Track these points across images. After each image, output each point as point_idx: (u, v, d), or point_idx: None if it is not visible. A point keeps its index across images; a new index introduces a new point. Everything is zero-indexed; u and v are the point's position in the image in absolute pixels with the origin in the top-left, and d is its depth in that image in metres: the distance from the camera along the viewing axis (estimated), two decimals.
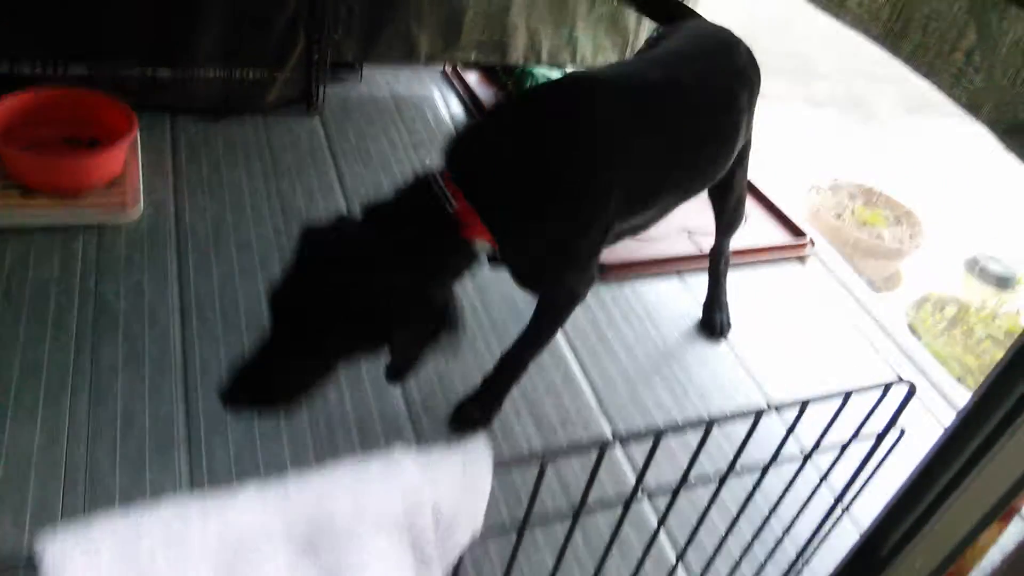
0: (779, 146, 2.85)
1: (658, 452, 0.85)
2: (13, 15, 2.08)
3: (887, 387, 0.97)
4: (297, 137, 2.39)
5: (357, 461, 0.69)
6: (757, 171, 2.58)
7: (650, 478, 0.87)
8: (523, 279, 1.60)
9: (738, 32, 1.78)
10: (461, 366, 1.82)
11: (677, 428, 0.88)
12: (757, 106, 1.77)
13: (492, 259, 1.50)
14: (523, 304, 1.96)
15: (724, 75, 1.68)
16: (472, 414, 1.72)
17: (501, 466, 0.75)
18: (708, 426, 0.87)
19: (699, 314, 2.13)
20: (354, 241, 1.36)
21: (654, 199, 1.61)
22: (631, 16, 2.82)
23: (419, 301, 1.36)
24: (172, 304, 1.78)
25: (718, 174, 1.73)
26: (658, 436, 0.84)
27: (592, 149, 1.45)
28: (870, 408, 0.99)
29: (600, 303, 2.10)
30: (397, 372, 1.46)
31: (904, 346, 2.22)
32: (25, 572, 0.59)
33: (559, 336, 1.97)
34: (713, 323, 2.09)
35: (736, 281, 2.27)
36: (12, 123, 1.98)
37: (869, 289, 2.38)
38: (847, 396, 0.97)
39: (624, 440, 0.78)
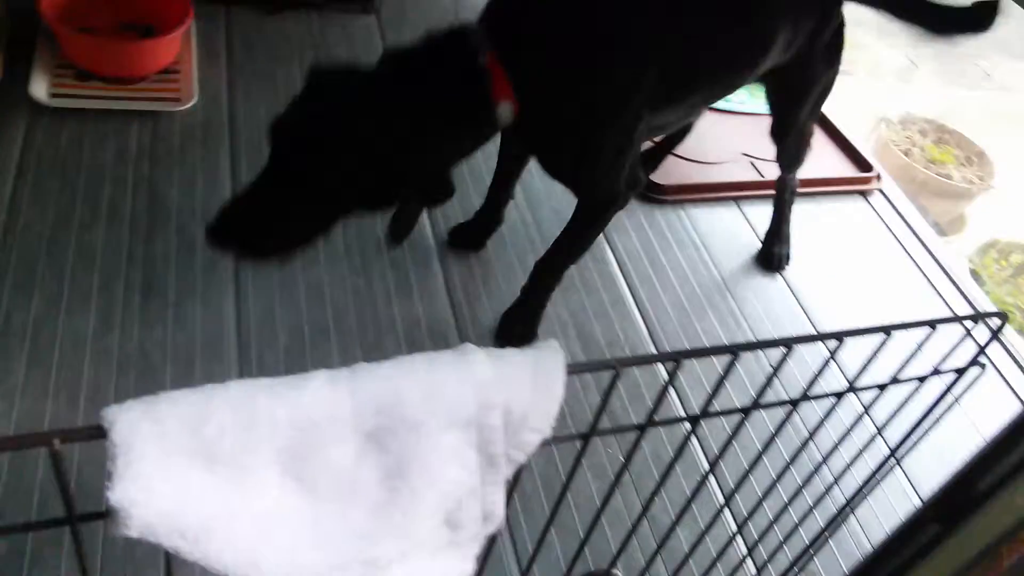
0: (850, 74, 2.73)
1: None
2: None
3: (978, 316, 0.92)
4: (351, 35, 2.32)
5: (430, 354, 0.67)
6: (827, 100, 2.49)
7: (716, 400, 0.84)
8: (548, 159, 1.51)
9: None
10: (509, 278, 1.79)
11: (752, 346, 0.84)
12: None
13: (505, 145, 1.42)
14: None
15: None
16: (515, 328, 1.70)
17: (574, 370, 0.72)
18: (788, 348, 0.83)
19: (756, 245, 2.07)
20: (371, 83, 1.28)
21: (686, 89, 1.52)
22: None
23: (435, 164, 1.31)
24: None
25: (751, 71, 1.62)
26: (735, 354, 0.80)
27: (628, 21, 1.37)
28: (956, 340, 0.94)
29: (654, 226, 2.05)
30: (398, 233, 1.40)
31: (967, 291, 2.14)
32: (90, 442, 0.57)
33: (610, 256, 1.93)
34: (772, 256, 2.03)
35: (796, 212, 2.19)
36: (67, 4, 1.93)
37: (933, 231, 2.30)
38: (933, 325, 0.91)
39: (698, 354, 0.74)
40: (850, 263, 2.13)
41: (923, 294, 2.11)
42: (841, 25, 1.71)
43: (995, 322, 0.90)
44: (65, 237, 1.59)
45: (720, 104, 2.39)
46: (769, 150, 2.07)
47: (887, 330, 0.87)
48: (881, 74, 3.39)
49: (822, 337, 0.85)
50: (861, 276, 2.10)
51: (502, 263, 1.82)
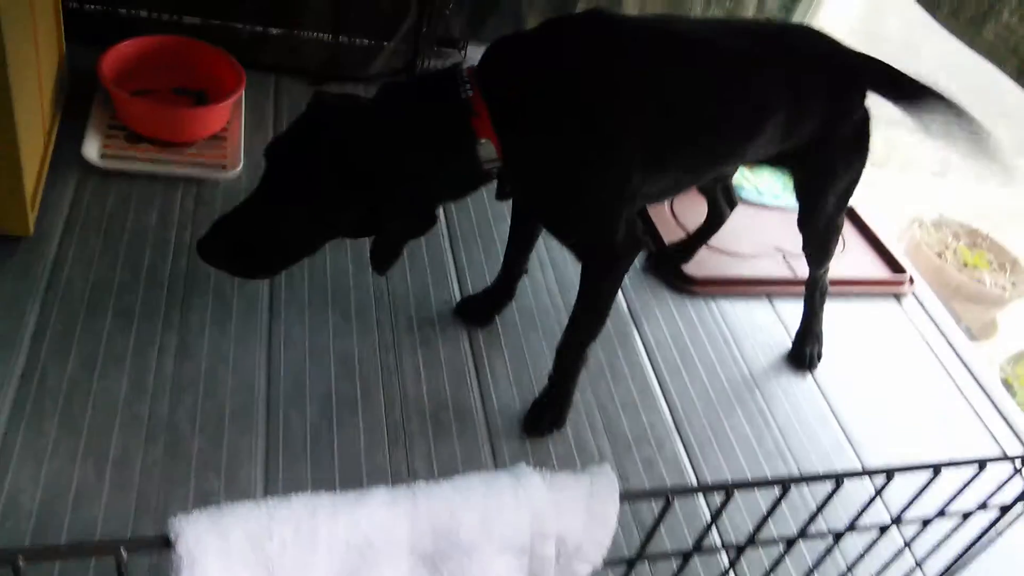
0: (885, 173, 2.75)
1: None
2: None
3: (983, 465, 0.90)
4: None
5: (487, 476, 0.66)
6: (859, 198, 2.50)
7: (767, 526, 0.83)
8: (536, 209, 1.57)
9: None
10: (538, 364, 1.79)
11: (802, 480, 0.83)
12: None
13: (501, 191, 1.48)
14: None
15: (782, 56, 1.58)
16: (544, 417, 1.68)
17: (628, 497, 0.71)
18: (837, 483, 0.82)
19: (787, 342, 2.06)
20: (361, 111, 1.35)
21: (676, 156, 1.53)
22: (749, 8, 2.72)
23: (416, 192, 1.35)
24: None
25: (745, 148, 1.63)
26: (786, 488, 0.79)
27: (618, 84, 1.41)
28: (1003, 478, 0.93)
29: (684, 317, 2.05)
30: (381, 262, 1.42)
31: (998, 401, 2.12)
32: (158, 552, 0.57)
33: (639, 344, 1.93)
34: (803, 355, 2.02)
35: (829, 312, 2.18)
36: (126, 68, 1.99)
37: (965, 336, 2.28)
38: (983, 464, 0.90)
39: (748, 486, 0.73)
40: (880, 366, 2.11)
41: (953, 403, 2.08)
42: (866, 118, 1.70)
43: None
44: (105, 298, 1.61)
45: (754, 198, 2.42)
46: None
47: (936, 468, 0.86)
48: (915, 171, 3.41)
49: (871, 472, 0.84)
50: (890, 380, 2.08)
51: (532, 350, 1.82)
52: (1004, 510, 0.95)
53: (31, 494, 1.30)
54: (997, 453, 1.99)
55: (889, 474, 0.83)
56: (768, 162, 1.77)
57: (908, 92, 1.67)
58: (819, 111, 1.64)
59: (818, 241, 1.89)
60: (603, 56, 1.41)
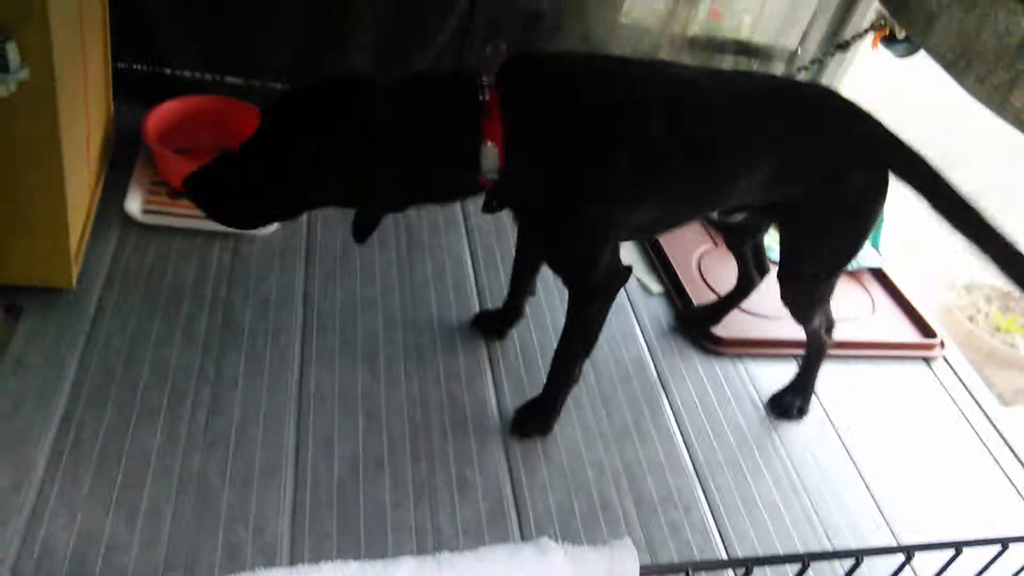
0: (916, 237, 2.75)
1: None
2: (188, 26, 2.19)
3: (1005, 544, 0.89)
4: None
5: (511, 546, 0.67)
6: (891, 262, 2.51)
7: None
8: (528, 225, 1.62)
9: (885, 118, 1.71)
10: (564, 423, 1.79)
11: (824, 556, 0.83)
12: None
13: (488, 205, 1.50)
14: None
15: (782, 111, 1.62)
16: (530, 421, 1.75)
17: (648, 572, 0.72)
18: (858, 560, 0.82)
19: (815, 405, 2.05)
20: (378, 88, 1.39)
21: (665, 196, 1.59)
22: None
23: (408, 176, 1.38)
24: (295, 322, 1.82)
25: (731, 196, 1.67)
26: (806, 564, 0.79)
27: (616, 117, 1.46)
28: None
29: (712, 378, 2.05)
30: (362, 232, 1.44)
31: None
32: None
33: (666, 406, 1.93)
34: (785, 404, 2.00)
35: (858, 374, 2.19)
36: (169, 126, 2.07)
37: (998, 403, 2.25)
38: (1006, 544, 0.90)
39: (769, 562, 0.74)
40: (910, 430, 2.09)
41: (985, 469, 2.05)
42: (872, 189, 1.69)
43: None
44: (142, 351, 1.65)
45: None
46: (833, 308, 2.08)
47: (958, 547, 0.86)
48: (946, 232, 3.39)
49: (891, 550, 0.84)
50: (920, 445, 2.06)
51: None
52: None
53: (65, 542, 1.33)
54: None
55: (909, 553, 0.83)
56: (758, 210, 1.79)
57: (925, 184, 1.66)
58: (818, 164, 1.65)
59: (796, 299, 1.85)
60: (608, 87, 1.48)
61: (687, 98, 1.54)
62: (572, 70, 1.49)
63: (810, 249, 1.78)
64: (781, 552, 1.68)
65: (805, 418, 2.01)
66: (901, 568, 0.83)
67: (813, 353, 1.98)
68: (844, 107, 1.68)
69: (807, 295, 1.84)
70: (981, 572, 0.89)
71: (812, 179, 1.66)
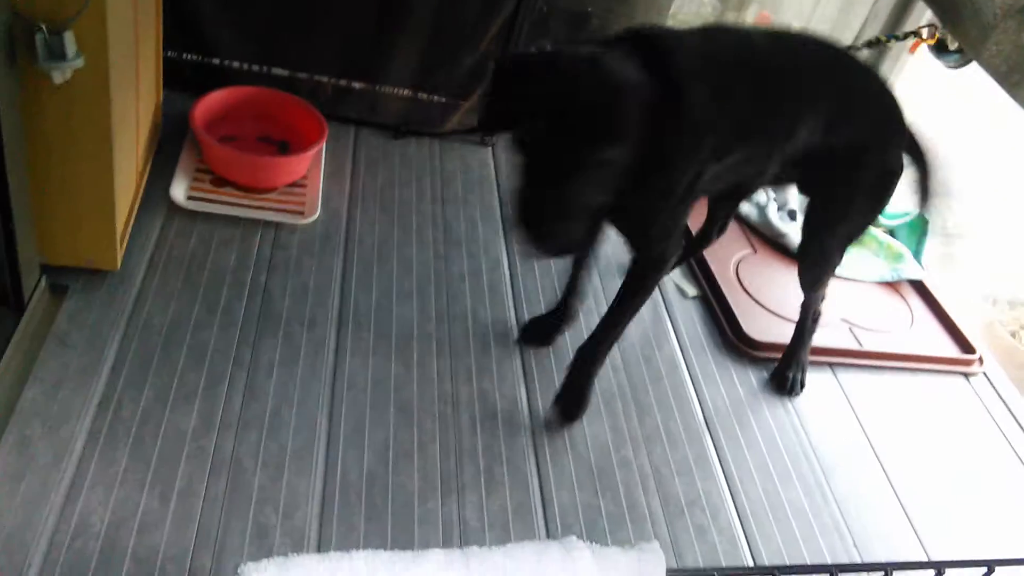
0: (960, 249, 2.70)
1: None
2: (238, 17, 2.22)
3: None
4: (468, 165, 2.44)
5: (538, 544, 0.68)
6: (933, 274, 2.47)
7: None
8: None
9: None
10: (593, 421, 1.79)
11: (853, 568, 0.82)
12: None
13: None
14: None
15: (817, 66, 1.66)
16: (567, 404, 1.77)
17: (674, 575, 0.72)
18: (887, 573, 0.81)
19: (848, 413, 2.03)
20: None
21: (742, 156, 1.60)
22: None
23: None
24: (331, 312, 1.84)
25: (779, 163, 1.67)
26: (833, 573, 0.79)
27: (708, 94, 1.43)
28: None
29: (745, 383, 2.03)
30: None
31: None
32: None
33: (697, 408, 1.92)
34: (784, 378, 2.03)
35: (894, 386, 2.16)
36: (215, 115, 2.10)
37: None
38: (991, 569, 0.88)
39: (797, 571, 0.73)
40: (946, 445, 2.05)
41: (1020, 486, 2.01)
42: (892, 172, 1.77)
43: None
44: (181, 334, 1.68)
45: None
46: (868, 318, 2.06)
47: (991, 565, 0.85)
48: (992, 246, 3.34)
49: (923, 566, 0.83)
50: (956, 460, 2.02)
51: (589, 408, 1.83)
52: None
53: (100, 517, 1.36)
54: None
55: (940, 569, 0.82)
56: (797, 181, 1.85)
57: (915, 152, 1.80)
58: (856, 134, 1.71)
59: (812, 268, 1.92)
60: (716, 53, 1.50)
61: (771, 61, 1.57)
62: (681, 41, 1.49)
63: (835, 225, 1.83)
64: (808, 561, 1.67)
65: (840, 428, 1.99)
66: None
67: (810, 322, 2.02)
68: (883, 85, 1.76)
69: (822, 267, 1.91)
70: None
71: (851, 148, 1.71)
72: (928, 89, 3.02)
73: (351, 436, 1.61)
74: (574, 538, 0.68)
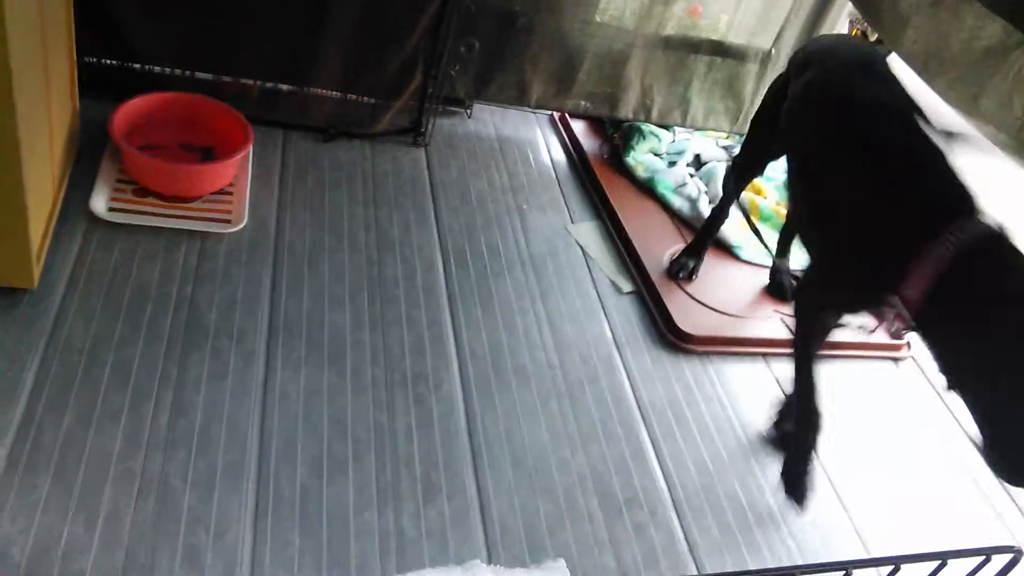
0: None
1: None
2: (158, 22, 2.16)
3: (988, 555, 0.91)
4: (400, 166, 2.42)
5: (441, 570, 0.67)
6: None
7: None
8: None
9: None
10: (530, 421, 1.80)
11: (812, 568, 0.83)
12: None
13: None
14: None
15: None
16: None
17: None
18: (848, 573, 0.82)
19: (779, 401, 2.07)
20: None
21: None
22: (748, 82, 2.78)
23: None
24: (261, 323, 1.80)
25: None
26: None
27: None
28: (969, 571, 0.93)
29: (681, 378, 2.06)
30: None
31: None
32: None
33: (633, 406, 1.94)
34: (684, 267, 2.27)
35: (826, 374, 2.19)
36: (136, 123, 2.04)
37: None
38: (944, 562, 0.91)
39: None
40: (877, 430, 2.10)
41: (949, 465, 2.08)
42: None
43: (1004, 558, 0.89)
44: (104, 353, 1.64)
45: (753, 258, 2.44)
46: None
47: (943, 559, 0.87)
48: None
49: (879, 562, 0.85)
50: (887, 445, 2.08)
51: (525, 407, 1.83)
52: None
53: (21, 547, 1.32)
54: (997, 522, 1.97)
55: (897, 565, 0.84)
56: None
57: None
58: None
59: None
60: None
61: None
62: None
63: None
64: (745, 554, 1.70)
65: (770, 418, 2.02)
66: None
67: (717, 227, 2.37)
68: None
69: None
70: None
71: None
72: None
73: (283, 450, 1.59)
74: (478, 561, 0.67)
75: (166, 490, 1.46)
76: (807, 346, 1.81)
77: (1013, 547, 0.92)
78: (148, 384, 1.61)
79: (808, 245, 1.89)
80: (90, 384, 1.58)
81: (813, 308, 1.81)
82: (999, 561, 0.93)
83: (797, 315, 1.89)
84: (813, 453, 1.80)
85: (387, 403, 1.74)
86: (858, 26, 2.80)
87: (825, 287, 1.78)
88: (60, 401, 1.53)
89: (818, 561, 1.73)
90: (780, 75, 2.13)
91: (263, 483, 1.52)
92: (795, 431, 1.85)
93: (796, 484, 1.80)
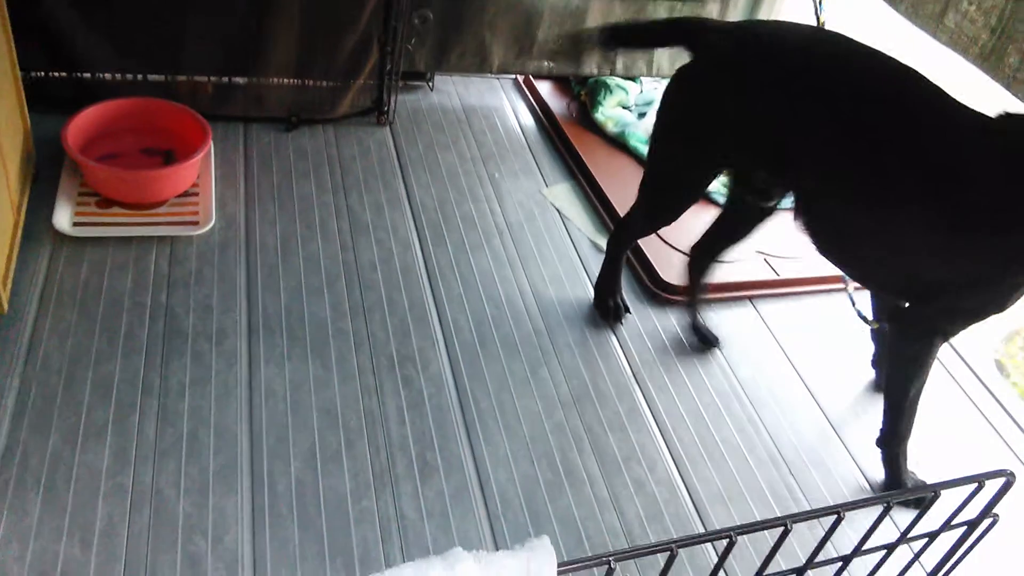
0: None
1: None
2: (101, 27, 2.12)
3: (980, 482, 0.90)
4: (366, 148, 2.38)
5: (419, 563, 0.66)
6: None
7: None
8: None
9: None
10: (522, 393, 1.79)
11: (805, 516, 0.82)
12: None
13: None
14: None
15: None
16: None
17: (566, 569, 0.71)
18: (839, 516, 0.82)
19: (773, 344, 2.06)
20: None
21: None
22: None
23: None
24: (240, 322, 1.79)
25: None
26: (787, 527, 0.79)
27: None
28: (962, 500, 0.93)
29: (668, 330, 2.05)
30: None
31: (991, 385, 2.11)
32: None
33: (625, 365, 1.93)
34: (606, 307, 2.04)
35: (813, 310, 2.20)
36: (91, 134, 2.01)
37: None
38: (935, 495, 0.90)
39: (750, 529, 0.74)
40: (866, 362, 2.09)
41: (945, 387, 2.08)
42: None
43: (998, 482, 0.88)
44: (83, 370, 1.62)
45: None
46: (784, 247, 2.07)
47: (936, 491, 0.87)
48: None
49: (871, 501, 0.85)
50: (858, 369, 2.07)
51: (516, 378, 1.82)
52: (971, 526, 0.95)
53: (18, 573, 1.31)
54: (991, 433, 1.98)
55: (889, 504, 0.84)
56: None
57: None
58: None
59: None
60: None
61: None
62: None
63: None
64: (748, 499, 1.70)
65: (765, 360, 2.02)
66: (883, 515, 0.84)
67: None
68: None
69: None
70: (960, 506, 0.91)
71: None
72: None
73: (275, 447, 1.58)
74: (459, 549, 0.66)
75: (160, 500, 1.45)
76: (919, 380, 1.70)
77: (1005, 471, 0.92)
78: (131, 396, 1.60)
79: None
80: (72, 403, 1.56)
81: (930, 334, 1.65)
82: (992, 487, 0.93)
83: (907, 346, 1.70)
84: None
85: (375, 388, 1.73)
86: None
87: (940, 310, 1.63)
88: (43, 423, 1.52)
89: (819, 501, 1.74)
90: (697, 83, 1.72)
91: (257, 482, 1.51)
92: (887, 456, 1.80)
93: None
